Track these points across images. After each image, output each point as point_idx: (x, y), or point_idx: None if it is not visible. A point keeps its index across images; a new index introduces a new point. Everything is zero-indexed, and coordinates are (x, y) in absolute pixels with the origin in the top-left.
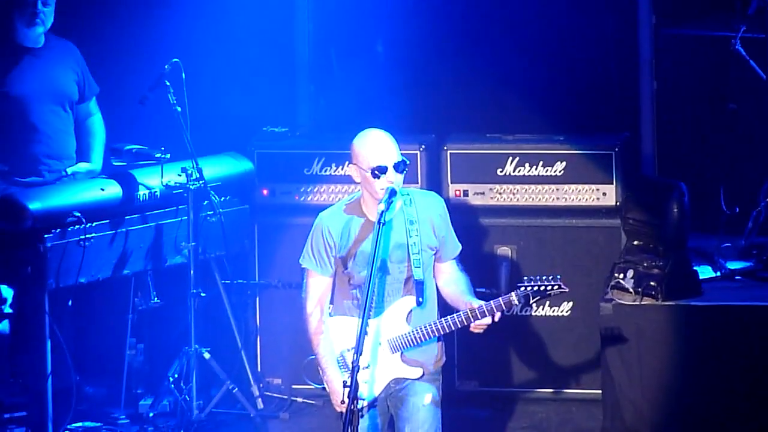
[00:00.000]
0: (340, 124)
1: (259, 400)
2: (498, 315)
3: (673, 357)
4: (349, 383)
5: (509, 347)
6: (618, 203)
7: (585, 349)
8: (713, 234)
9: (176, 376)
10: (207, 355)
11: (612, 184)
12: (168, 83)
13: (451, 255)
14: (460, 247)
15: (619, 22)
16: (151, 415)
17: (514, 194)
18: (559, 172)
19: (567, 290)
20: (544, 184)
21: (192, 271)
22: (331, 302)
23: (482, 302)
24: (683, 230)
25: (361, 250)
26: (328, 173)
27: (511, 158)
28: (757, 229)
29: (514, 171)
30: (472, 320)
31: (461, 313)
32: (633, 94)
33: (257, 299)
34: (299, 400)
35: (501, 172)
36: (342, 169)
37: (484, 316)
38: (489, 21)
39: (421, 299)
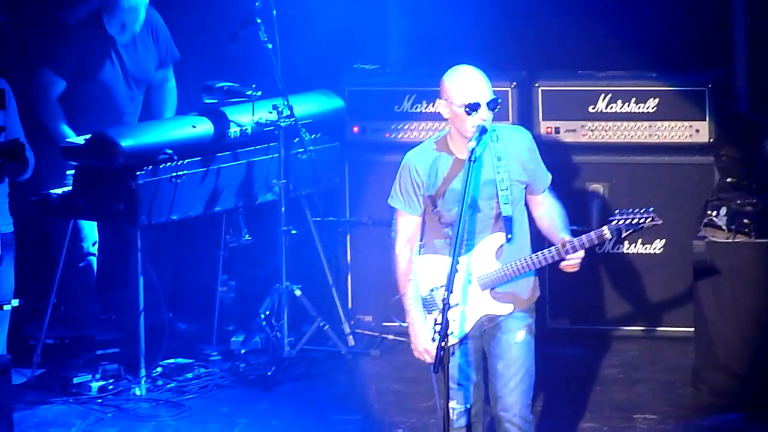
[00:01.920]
0: (431, 61)
1: (350, 337)
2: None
3: (765, 295)
4: (439, 321)
5: (601, 285)
6: (711, 140)
7: (677, 287)
8: None
9: (267, 313)
10: (298, 293)
11: (705, 120)
12: (259, 20)
13: (542, 187)
14: (551, 177)
15: None
16: (242, 351)
17: (606, 131)
18: (652, 108)
19: (660, 222)
20: (636, 121)
21: (283, 209)
22: (421, 241)
23: (574, 238)
24: None
25: (450, 188)
26: (418, 110)
27: (603, 95)
28: None
29: (606, 108)
30: (564, 255)
31: (552, 248)
32: (727, 30)
33: (348, 236)
34: (390, 337)
35: (593, 108)
36: (432, 106)
37: (575, 250)
38: None
39: (510, 235)
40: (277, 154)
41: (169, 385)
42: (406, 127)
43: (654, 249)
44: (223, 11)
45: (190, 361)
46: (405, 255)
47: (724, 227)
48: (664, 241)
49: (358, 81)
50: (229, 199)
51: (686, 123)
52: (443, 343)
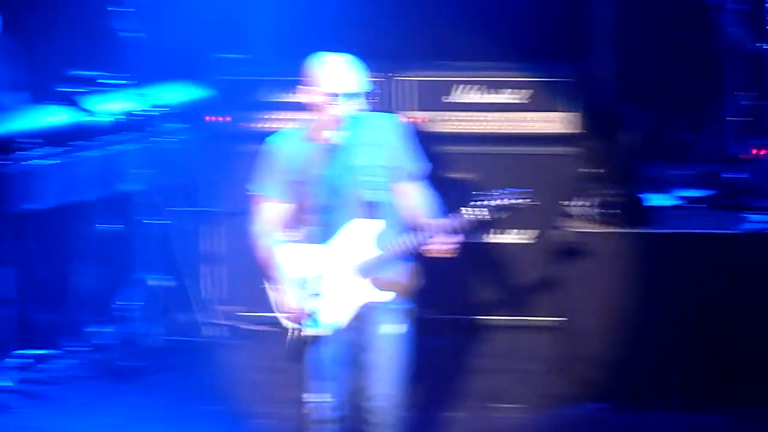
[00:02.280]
0: (294, 52)
1: (213, 327)
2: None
3: (628, 284)
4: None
5: (467, 275)
6: (573, 131)
7: (539, 277)
8: (670, 161)
9: (130, 303)
10: (161, 283)
11: (567, 111)
12: (126, 9)
13: (412, 175)
14: (422, 168)
15: None
16: (103, 343)
17: (466, 121)
18: (516, 99)
19: (530, 202)
20: (498, 112)
21: (146, 198)
22: (288, 228)
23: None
24: (638, 158)
25: (315, 175)
26: (282, 100)
27: (466, 85)
28: (711, 156)
29: (466, 98)
30: (436, 234)
31: (426, 228)
32: (590, 21)
33: (211, 227)
34: (253, 327)
35: (452, 99)
36: (295, 95)
37: (443, 231)
38: None
39: (380, 221)
40: (141, 143)
41: (31, 377)
42: (268, 117)
43: (520, 239)
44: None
45: (52, 352)
46: (266, 233)
47: (587, 217)
48: (530, 231)
49: (222, 71)
50: (91, 188)
51: (550, 114)
52: (303, 335)
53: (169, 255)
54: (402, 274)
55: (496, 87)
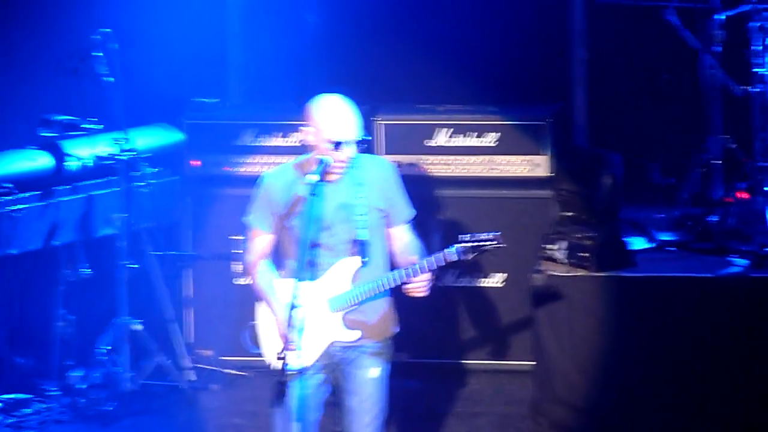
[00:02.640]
0: (271, 95)
1: (190, 371)
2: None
3: (604, 328)
4: (282, 348)
5: (440, 318)
6: (550, 174)
7: (517, 321)
8: (646, 205)
9: (108, 347)
10: (138, 327)
11: (544, 155)
12: (99, 53)
13: (401, 219)
14: (413, 212)
15: None
16: (82, 386)
17: (446, 165)
18: (492, 142)
19: (503, 245)
20: (476, 155)
21: (123, 242)
22: (279, 265)
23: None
24: (615, 201)
25: (307, 211)
26: (259, 143)
27: (443, 128)
28: (691, 200)
29: (445, 141)
30: (412, 275)
31: (401, 269)
32: (565, 64)
33: (189, 271)
34: (230, 371)
35: (433, 142)
36: (274, 139)
37: (423, 271)
38: None
39: (366, 259)
40: (117, 188)
41: (8, 421)
42: (246, 161)
43: (494, 282)
44: (60, 43)
45: (29, 396)
46: (258, 266)
47: (562, 261)
48: (504, 275)
49: (197, 114)
50: (69, 232)
51: (526, 157)
52: (285, 377)
53: (147, 299)
54: (373, 314)
55: (472, 130)
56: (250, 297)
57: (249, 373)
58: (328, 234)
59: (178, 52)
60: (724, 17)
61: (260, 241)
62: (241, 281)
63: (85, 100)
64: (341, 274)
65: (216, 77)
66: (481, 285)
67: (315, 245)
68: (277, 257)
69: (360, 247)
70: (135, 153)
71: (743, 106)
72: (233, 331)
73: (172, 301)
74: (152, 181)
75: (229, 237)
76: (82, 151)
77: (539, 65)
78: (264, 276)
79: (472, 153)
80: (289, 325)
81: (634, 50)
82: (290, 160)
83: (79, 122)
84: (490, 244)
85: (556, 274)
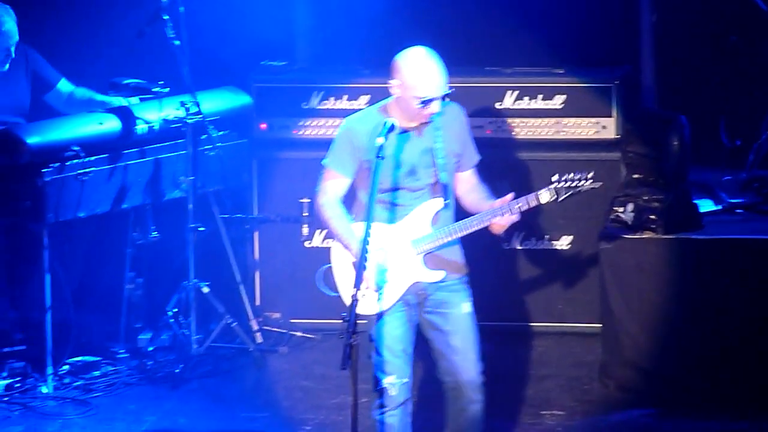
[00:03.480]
0: (338, 58)
1: (258, 334)
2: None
3: (672, 291)
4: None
5: (508, 281)
6: (618, 136)
7: (585, 283)
8: (714, 167)
9: (175, 310)
10: (206, 290)
11: (612, 117)
12: (166, 17)
13: (471, 163)
14: (479, 157)
15: None
16: (150, 349)
17: (514, 127)
18: (560, 105)
19: (599, 185)
20: (543, 118)
21: (191, 206)
22: (351, 209)
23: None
24: (684, 163)
25: (390, 155)
26: (326, 107)
27: (510, 91)
28: (759, 162)
29: (513, 104)
30: (501, 214)
31: (494, 209)
32: (633, 26)
33: (256, 234)
34: (298, 334)
35: (500, 105)
36: (341, 102)
37: (514, 211)
38: None
39: (447, 201)
40: (184, 151)
41: (76, 383)
42: (313, 124)
43: (561, 245)
44: (128, 7)
45: (98, 359)
46: (335, 208)
47: (631, 223)
48: (571, 237)
49: (265, 78)
50: (137, 196)
51: (593, 119)
52: (352, 340)
53: (215, 262)
54: (456, 254)
55: (540, 92)
56: (317, 260)
57: (317, 336)
58: (413, 178)
59: (245, 14)
60: None
61: (338, 184)
62: (309, 244)
63: (153, 63)
64: (423, 216)
65: (283, 40)
66: (549, 247)
67: (398, 189)
68: (349, 201)
69: (443, 189)
70: (202, 116)
71: None
72: (301, 294)
73: (239, 264)
74: (219, 145)
75: (298, 200)
76: (150, 115)
77: (607, 27)
78: (341, 218)
79: (540, 116)
80: (369, 267)
81: (702, 12)
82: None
83: (147, 86)
84: (584, 184)
85: (624, 236)
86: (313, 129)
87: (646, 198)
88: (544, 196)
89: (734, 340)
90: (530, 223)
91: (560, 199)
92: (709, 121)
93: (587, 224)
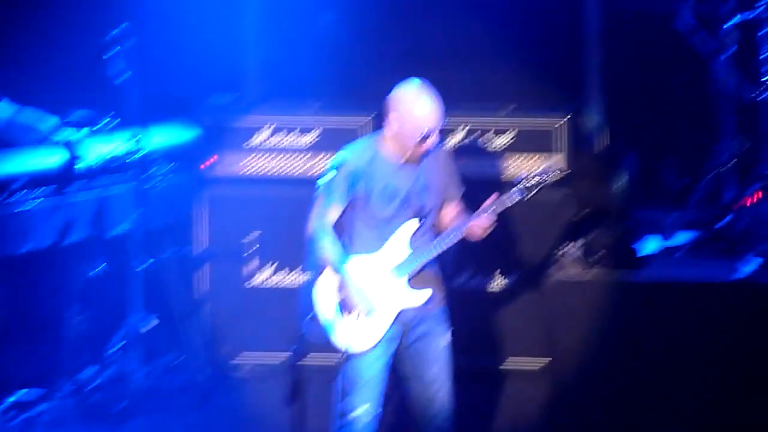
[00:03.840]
0: (288, 93)
1: (207, 368)
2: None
3: (617, 329)
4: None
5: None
6: (567, 172)
7: (531, 320)
8: (660, 206)
9: (121, 345)
10: (152, 325)
11: (561, 153)
12: (116, 49)
13: (457, 195)
14: (463, 189)
15: None
16: (94, 384)
17: (465, 163)
18: (509, 141)
19: (567, 171)
20: (493, 154)
21: (137, 240)
22: (353, 239)
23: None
24: (630, 201)
25: (383, 187)
26: (275, 142)
27: (462, 126)
28: (704, 202)
29: (463, 141)
30: (472, 220)
31: (463, 220)
32: (582, 67)
33: (203, 269)
34: (247, 367)
35: (451, 141)
36: (289, 138)
37: (484, 216)
38: None
39: (426, 221)
40: (132, 185)
41: (18, 418)
42: (262, 159)
43: (509, 282)
44: (78, 39)
45: (41, 393)
46: (326, 235)
47: (578, 259)
48: (518, 273)
49: (213, 112)
50: (83, 229)
51: (542, 155)
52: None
53: (161, 296)
54: (437, 274)
55: (489, 129)
56: (265, 293)
57: (266, 370)
58: (404, 208)
59: (196, 48)
60: (736, 22)
61: (330, 210)
62: (254, 283)
63: (102, 96)
64: (400, 241)
65: (233, 76)
66: (495, 285)
67: (392, 218)
68: (338, 229)
69: (426, 215)
70: (150, 150)
71: (755, 110)
72: (249, 328)
73: (187, 298)
74: (167, 179)
75: (246, 236)
76: (98, 148)
77: (555, 66)
78: (332, 244)
79: (489, 152)
80: (360, 301)
81: (649, 54)
82: (371, 136)
83: (95, 119)
84: (549, 176)
85: (571, 272)
86: (261, 164)
87: (594, 235)
88: (515, 196)
89: (677, 380)
90: (479, 260)
91: (529, 196)
92: (656, 160)
93: (535, 261)
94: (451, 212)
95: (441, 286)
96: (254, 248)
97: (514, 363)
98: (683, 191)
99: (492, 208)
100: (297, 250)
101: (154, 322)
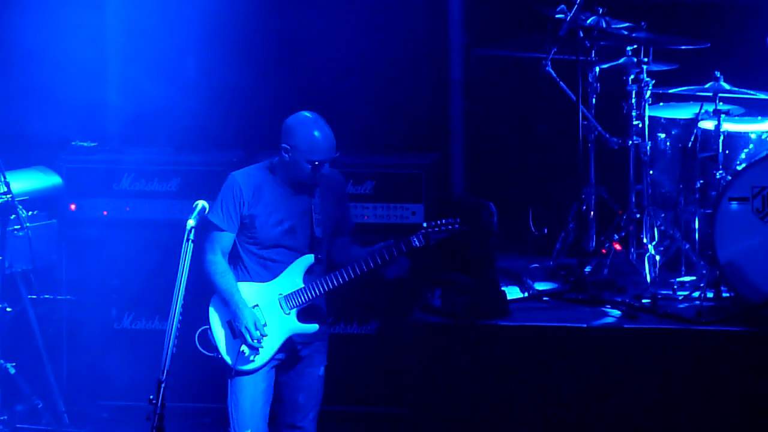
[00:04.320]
0: (149, 139)
1: (65, 415)
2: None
3: (478, 376)
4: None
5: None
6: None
7: (392, 367)
8: (522, 254)
9: None
10: (12, 370)
11: (421, 203)
12: None
13: (348, 227)
14: (354, 222)
15: (430, 41)
16: None
17: None
18: (369, 190)
19: (466, 228)
20: (353, 202)
21: None
22: (238, 268)
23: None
24: (491, 250)
25: (271, 213)
26: (136, 188)
27: None
28: (565, 251)
29: None
30: (371, 263)
31: (365, 257)
32: (443, 114)
33: (65, 314)
34: (105, 415)
35: None
36: (151, 183)
37: (383, 258)
38: (299, 38)
39: (320, 256)
40: None
41: None
42: (124, 205)
43: (368, 329)
44: None
45: None
46: (220, 264)
47: (438, 308)
48: (378, 321)
49: (75, 158)
50: None
51: (402, 205)
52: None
53: (22, 342)
54: (325, 309)
55: (352, 179)
56: (126, 340)
57: (121, 416)
58: (292, 236)
59: (56, 94)
60: (600, 69)
61: (222, 239)
62: (116, 326)
63: None
64: (296, 272)
65: (94, 121)
66: (356, 333)
67: (277, 246)
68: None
69: (316, 245)
70: (11, 196)
71: (619, 157)
72: (108, 375)
73: (46, 345)
74: (29, 225)
75: (107, 280)
76: None
77: (416, 114)
78: (226, 275)
79: (352, 200)
80: (252, 325)
81: (512, 100)
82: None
83: None
84: (450, 228)
85: (431, 321)
86: (123, 210)
87: (454, 284)
88: (417, 240)
89: (544, 424)
90: (338, 306)
91: (431, 243)
92: (516, 209)
93: (395, 309)
94: (343, 246)
95: (325, 319)
96: (116, 291)
97: (373, 411)
98: (545, 239)
99: (391, 251)
100: (159, 294)
101: (12, 368)
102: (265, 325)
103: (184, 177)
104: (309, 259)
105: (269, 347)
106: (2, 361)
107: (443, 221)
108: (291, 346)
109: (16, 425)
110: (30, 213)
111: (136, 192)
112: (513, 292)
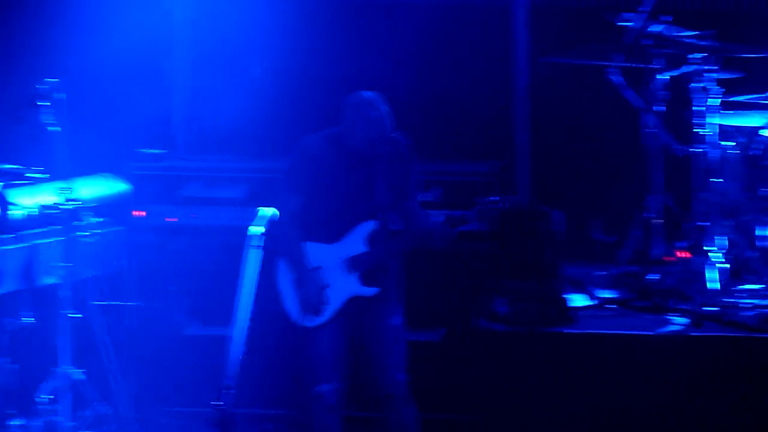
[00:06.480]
0: (215, 147)
1: (133, 422)
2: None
3: (545, 384)
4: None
5: None
6: (493, 228)
7: (458, 374)
8: (587, 262)
9: (49, 397)
10: (79, 377)
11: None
12: (45, 102)
13: (413, 195)
14: (420, 192)
15: (496, 50)
16: None
17: None
18: (437, 197)
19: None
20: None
21: (66, 292)
22: (303, 231)
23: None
24: (557, 258)
25: (336, 179)
26: (204, 195)
27: None
28: (631, 258)
29: None
30: (430, 236)
31: (422, 231)
32: (509, 122)
33: (132, 321)
34: (172, 421)
35: None
36: (218, 190)
37: (443, 230)
38: (367, 48)
39: (382, 221)
40: (61, 237)
41: None
42: (190, 212)
43: (433, 336)
44: (7, 92)
45: None
46: (288, 227)
47: (503, 316)
48: (445, 328)
49: (143, 165)
50: (12, 281)
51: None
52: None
53: (90, 348)
54: (387, 273)
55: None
56: (192, 347)
57: (193, 423)
58: (356, 202)
59: (126, 102)
60: (667, 77)
61: (290, 202)
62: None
63: (31, 148)
64: (358, 236)
65: (162, 128)
66: (419, 339)
67: (342, 210)
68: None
69: (378, 212)
70: (79, 202)
71: (684, 165)
72: (176, 381)
73: (114, 351)
74: (96, 231)
75: (174, 287)
76: (27, 200)
77: (483, 122)
78: (293, 237)
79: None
80: (315, 284)
81: (578, 108)
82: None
83: (24, 171)
84: (500, 206)
85: (496, 329)
86: (190, 216)
87: (520, 291)
88: (471, 216)
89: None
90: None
91: (483, 219)
92: (582, 216)
93: (460, 316)
94: (405, 212)
95: (394, 276)
96: (184, 298)
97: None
98: (611, 247)
99: (451, 224)
100: (226, 300)
101: (82, 374)
102: (327, 287)
103: (251, 184)
104: (371, 224)
105: (331, 306)
106: (70, 368)
107: (493, 199)
108: (358, 304)
109: (84, 431)
110: (98, 219)
111: (203, 199)
112: (578, 300)
